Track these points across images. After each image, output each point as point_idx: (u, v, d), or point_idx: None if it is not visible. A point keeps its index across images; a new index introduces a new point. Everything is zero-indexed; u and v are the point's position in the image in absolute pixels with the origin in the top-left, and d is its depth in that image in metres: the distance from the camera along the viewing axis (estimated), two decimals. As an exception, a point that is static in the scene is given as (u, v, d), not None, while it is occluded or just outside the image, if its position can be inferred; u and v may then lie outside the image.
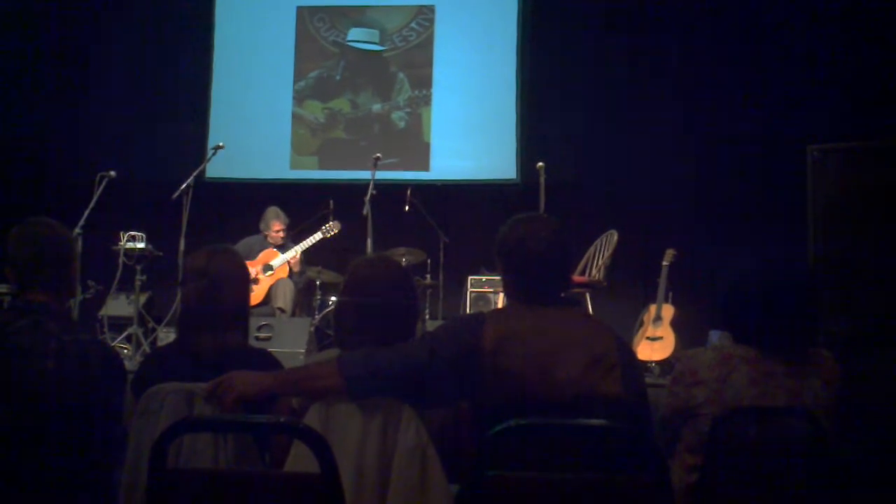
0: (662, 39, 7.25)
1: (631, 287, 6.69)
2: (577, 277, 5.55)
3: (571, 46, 7.44)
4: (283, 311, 6.07)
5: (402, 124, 7.85)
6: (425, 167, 7.70)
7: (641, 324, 5.96)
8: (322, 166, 7.87)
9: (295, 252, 6.30)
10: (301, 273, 6.46)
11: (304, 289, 6.60)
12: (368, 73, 7.92)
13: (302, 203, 6.89)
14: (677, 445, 2.19)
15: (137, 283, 5.90)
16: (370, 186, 5.72)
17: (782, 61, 6.88)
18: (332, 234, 6.34)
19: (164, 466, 1.67)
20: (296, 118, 7.91)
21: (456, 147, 7.68)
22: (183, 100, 7.81)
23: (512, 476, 1.65)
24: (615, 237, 5.75)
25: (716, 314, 2.40)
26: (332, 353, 2.24)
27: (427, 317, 6.55)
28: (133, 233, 5.95)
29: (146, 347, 5.73)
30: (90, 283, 6.23)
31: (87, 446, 2.16)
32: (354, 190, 6.25)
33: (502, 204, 6.75)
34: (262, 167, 7.77)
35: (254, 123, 7.81)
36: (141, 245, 5.93)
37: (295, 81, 7.94)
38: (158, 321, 6.12)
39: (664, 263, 5.99)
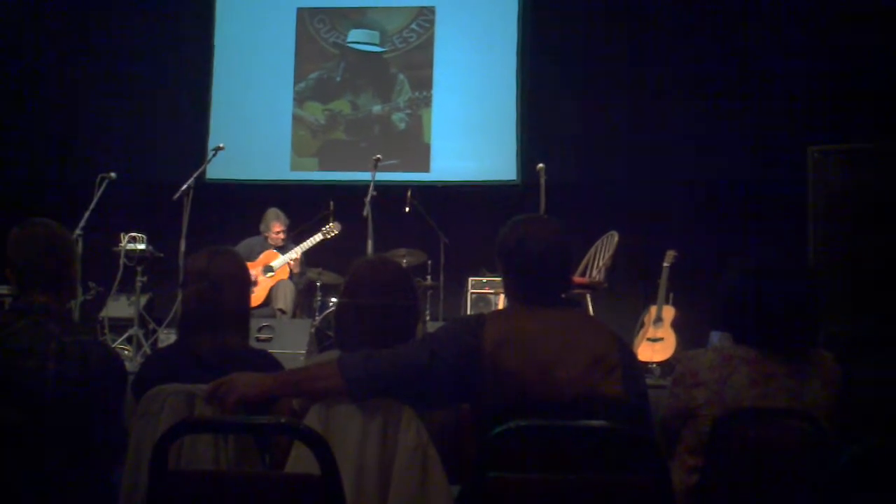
0: (663, 40, 7.26)
1: (632, 288, 6.69)
2: (577, 278, 5.55)
3: (572, 48, 7.44)
4: (283, 312, 6.07)
5: (402, 125, 7.86)
6: (426, 168, 7.71)
7: (642, 325, 5.96)
8: (322, 167, 7.87)
9: (295, 253, 6.30)
10: (301, 274, 6.46)
11: (305, 290, 6.60)
12: (369, 74, 7.93)
13: (302, 204, 6.90)
14: (678, 447, 2.19)
15: (138, 284, 5.89)
16: (370, 188, 5.72)
17: (783, 62, 6.88)
18: (333, 235, 6.34)
19: (165, 468, 1.67)
20: (296, 119, 7.92)
21: (456, 148, 7.68)
22: (183, 101, 7.82)
23: (512, 477, 1.65)
24: (615, 238, 5.75)
25: (716, 315, 2.40)
26: (333, 354, 2.23)
27: (427, 318, 6.55)
28: (133, 234, 5.95)
29: (147, 349, 5.73)
30: (91, 284, 6.23)
31: (88, 447, 2.16)
32: (355, 191, 6.26)
33: (502, 205, 6.75)
34: (262, 168, 7.78)
35: (254, 125, 7.82)
36: (141, 246, 5.93)
37: (295, 83, 7.95)
38: (159, 322, 6.12)
39: (665, 264, 5.99)
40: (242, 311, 2.45)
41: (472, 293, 6.64)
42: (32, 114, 7.78)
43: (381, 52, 7.93)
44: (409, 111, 7.85)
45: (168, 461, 1.70)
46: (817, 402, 2.09)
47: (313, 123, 7.94)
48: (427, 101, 7.80)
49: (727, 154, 6.99)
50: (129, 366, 2.76)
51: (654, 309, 5.97)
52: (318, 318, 6.23)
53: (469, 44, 7.78)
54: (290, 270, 6.34)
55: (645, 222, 6.80)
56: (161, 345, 5.72)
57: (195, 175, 5.88)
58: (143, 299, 6.12)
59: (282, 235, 6.44)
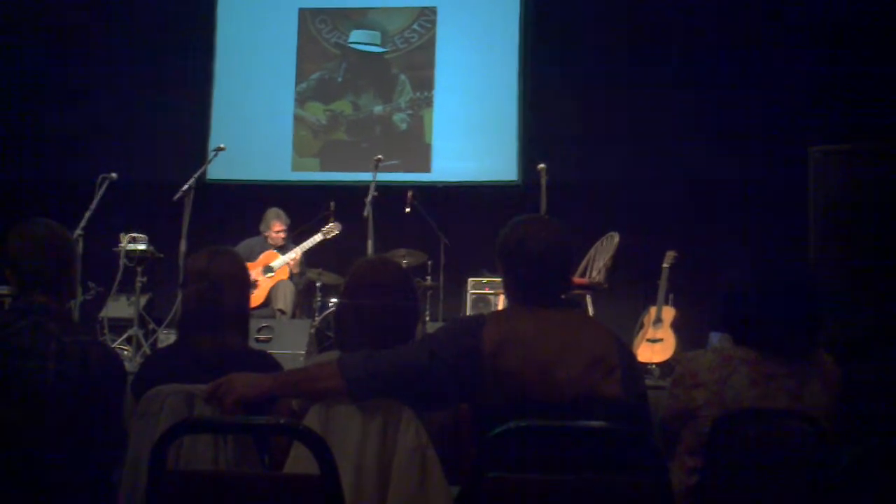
0: (664, 40, 7.26)
1: (631, 289, 6.68)
2: (577, 279, 5.55)
3: (572, 48, 7.44)
4: (283, 312, 6.07)
5: (403, 126, 7.86)
6: (426, 169, 7.71)
7: (642, 326, 5.95)
8: (323, 168, 7.88)
9: (295, 253, 6.30)
10: (301, 275, 6.46)
11: (305, 290, 6.60)
12: (370, 74, 7.93)
13: (303, 204, 6.89)
14: (677, 447, 2.19)
15: (138, 284, 5.89)
16: (371, 188, 5.72)
17: (784, 63, 6.88)
18: (333, 235, 6.34)
19: (164, 468, 1.67)
20: (297, 120, 7.92)
21: (457, 149, 7.68)
22: (184, 101, 7.82)
23: (512, 478, 1.65)
24: (616, 239, 5.75)
25: (716, 316, 2.40)
26: (333, 354, 2.24)
27: (427, 318, 6.55)
28: (134, 234, 5.95)
29: (146, 349, 5.73)
30: (91, 284, 6.23)
31: (88, 447, 2.16)
32: (355, 191, 6.26)
33: (503, 205, 6.74)
34: (263, 169, 7.78)
35: (255, 125, 7.82)
36: (142, 247, 5.93)
37: (296, 83, 7.95)
38: (159, 323, 6.12)
39: (665, 265, 5.99)
40: (242, 312, 2.46)
41: (472, 294, 6.64)
42: (33, 114, 7.78)
43: (383, 52, 7.93)
44: (410, 111, 7.85)
45: (167, 461, 1.70)
46: (817, 403, 2.09)
47: (314, 124, 7.94)
48: (428, 102, 7.80)
49: (727, 154, 6.99)
50: (128, 366, 2.77)
51: (653, 310, 5.97)
52: (317, 319, 6.23)
53: (470, 44, 7.78)
54: (290, 271, 6.34)
55: (645, 223, 6.80)
56: (161, 345, 5.72)
57: (196, 175, 5.88)
58: (143, 299, 6.12)
59: (282, 235, 6.44)
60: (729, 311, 2.26)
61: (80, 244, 5.40)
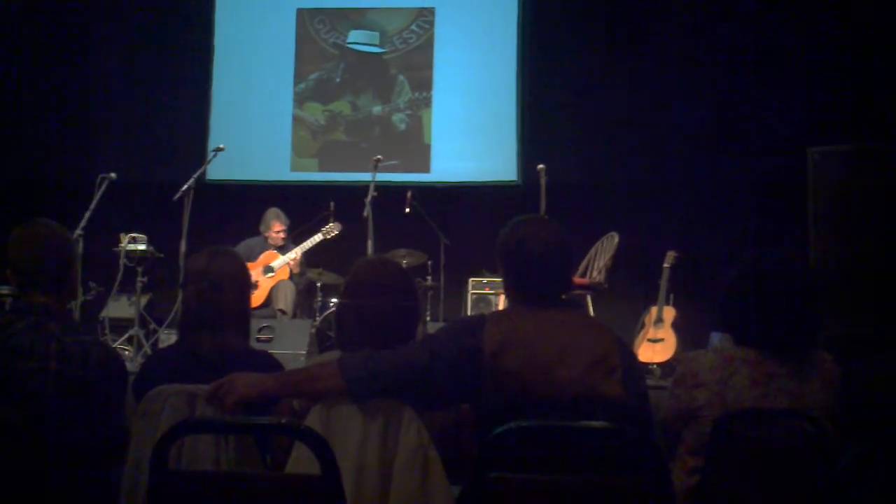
0: (664, 41, 7.26)
1: (632, 289, 6.69)
2: (577, 279, 5.55)
3: (572, 48, 7.44)
4: (283, 312, 6.07)
5: (402, 126, 7.86)
6: (426, 169, 7.71)
7: (642, 326, 5.95)
8: (322, 168, 7.88)
9: (295, 254, 6.31)
10: (302, 275, 6.46)
11: (305, 290, 6.60)
12: (369, 75, 7.93)
13: (302, 205, 6.90)
14: (678, 448, 2.19)
15: (138, 284, 5.89)
16: (371, 188, 5.72)
17: (783, 63, 6.88)
18: (333, 235, 6.34)
19: (166, 468, 1.67)
20: (296, 120, 7.92)
21: (456, 149, 7.68)
22: (183, 102, 7.82)
23: (513, 478, 1.65)
24: (616, 239, 5.75)
25: (716, 316, 2.40)
26: (333, 354, 2.24)
27: (428, 319, 6.55)
28: (134, 234, 5.96)
29: (147, 349, 5.73)
30: (91, 284, 6.23)
31: (89, 447, 2.16)
32: (355, 192, 6.26)
33: (503, 206, 6.74)
34: (262, 169, 7.78)
35: (254, 125, 7.82)
36: (142, 247, 5.93)
37: (295, 83, 7.95)
38: (159, 323, 6.12)
39: (665, 265, 5.99)
40: (243, 312, 2.45)
41: (473, 294, 6.64)
42: (32, 114, 7.78)
43: (381, 52, 7.93)
44: (409, 112, 7.85)
45: (168, 461, 1.70)
46: (818, 403, 2.09)
47: (313, 124, 7.94)
48: (427, 102, 7.81)
49: (727, 155, 6.99)
50: (129, 366, 2.77)
51: (654, 310, 5.96)
52: (318, 319, 6.23)
53: (469, 45, 7.78)
54: (291, 271, 6.34)
55: (645, 223, 6.81)
56: (161, 345, 5.73)
57: (195, 176, 5.88)
58: (144, 300, 6.13)
59: (282, 235, 6.44)
60: (729, 311, 2.26)
61: (81, 244, 5.40)
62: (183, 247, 5.60)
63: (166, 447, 1.67)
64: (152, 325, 6.18)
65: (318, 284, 6.55)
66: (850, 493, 1.56)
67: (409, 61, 7.89)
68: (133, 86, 7.76)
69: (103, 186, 5.72)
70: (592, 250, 5.85)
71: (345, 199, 6.53)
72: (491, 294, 6.54)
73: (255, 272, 6.10)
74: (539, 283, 2.12)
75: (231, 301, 2.38)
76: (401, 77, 7.89)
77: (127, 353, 5.69)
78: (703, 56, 7.16)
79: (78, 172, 6.87)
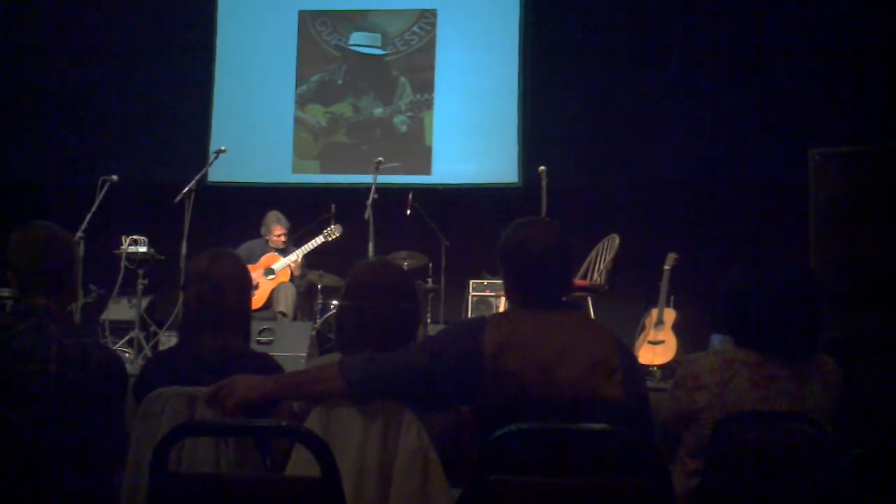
0: (664, 42, 7.26)
1: (633, 291, 6.68)
2: (578, 281, 5.55)
3: (573, 50, 7.44)
4: (284, 314, 6.07)
5: (403, 128, 7.86)
6: (427, 171, 7.71)
7: (643, 328, 5.95)
8: (324, 170, 7.88)
9: (296, 256, 6.31)
10: (302, 277, 6.46)
11: (306, 293, 6.60)
12: (370, 77, 7.93)
13: (303, 207, 6.90)
14: (679, 450, 2.19)
15: (139, 287, 5.90)
16: (372, 190, 5.73)
17: (784, 64, 6.88)
18: (334, 237, 6.34)
19: (166, 470, 1.67)
20: (298, 122, 7.93)
21: (458, 151, 7.68)
22: (185, 104, 7.82)
23: (513, 480, 1.65)
24: (616, 241, 5.75)
25: (717, 318, 2.40)
26: (334, 357, 2.24)
27: (428, 321, 6.55)
28: (135, 237, 5.96)
29: (148, 351, 5.74)
30: (92, 287, 6.24)
31: (89, 450, 2.16)
32: (356, 194, 6.26)
33: (504, 208, 6.75)
34: (263, 171, 7.79)
35: (256, 127, 7.83)
36: (143, 249, 5.94)
37: (297, 85, 7.96)
38: (160, 325, 6.13)
39: (666, 267, 5.98)
40: (243, 314, 2.45)
41: (473, 296, 6.64)
42: (34, 116, 7.79)
43: (383, 54, 7.94)
44: (410, 114, 7.85)
45: (169, 463, 1.70)
46: (818, 405, 2.09)
47: (315, 126, 7.94)
48: (428, 104, 7.81)
49: (728, 156, 6.99)
50: (129, 368, 2.77)
51: (654, 312, 5.96)
52: (319, 321, 6.22)
53: (470, 46, 7.78)
54: (291, 273, 6.35)
55: (646, 225, 6.81)
56: (162, 347, 5.73)
57: (197, 178, 5.89)
58: (144, 302, 6.13)
59: (282, 238, 6.45)
60: (730, 313, 2.26)
61: (82, 247, 5.41)
62: (184, 249, 5.60)
63: (166, 449, 1.67)
64: (153, 328, 6.19)
65: (319, 286, 6.55)
66: (850, 494, 1.56)
67: (410, 63, 7.89)
68: (134, 88, 7.77)
69: (104, 188, 5.73)
70: (593, 252, 5.85)
71: (346, 201, 6.53)
72: (491, 296, 6.53)
73: (256, 274, 6.10)
74: (539, 284, 2.12)
75: (232, 303, 2.38)
76: (402, 79, 7.89)
77: (127, 355, 5.68)
78: (704, 57, 7.16)
79: (79, 174, 6.88)
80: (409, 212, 6.49)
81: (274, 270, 6.30)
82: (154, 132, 7.70)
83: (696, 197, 7.02)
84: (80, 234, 5.43)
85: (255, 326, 5.06)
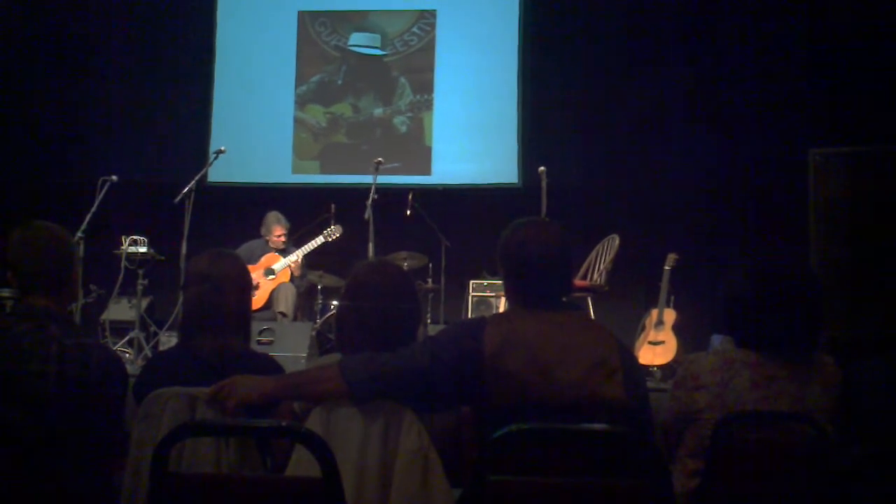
0: (663, 43, 7.26)
1: (633, 291, 6.68)
2: (578, 282, 5.55)
3: (573, 51, 7.45)
4: (284, 315, 6.07)
5: (403, 129, 7.86)
6: (427, 171, 7.71)
7: (643, 328, 5.95)
8: (324, 170, 7.88)
9: (296, 256, 6.31)
10: (302, 277, 6.46)
11: (306, 293, 6.61)
12: (370, 77, 7.93)
13: (303, 207, 6.90)
14: (679, 450, 2.19)
15: (139, 287, 5.90)
16: (372, 191, 5.73)
17: (784, 65, 6.88)
18: (334, 238, 6.34)
19: (166, 471, 1.67)
20: (297, 122, 7.93)
21: (457, 151, 7.69)
22: (184, 104, 7.83)
23: (514, 481, 1.65)
24: (616, 241, 5.75)
25: (717, 319, 2.40)
26: (334, 357, 2.24)
27: (428, 321, 6.55)
28: (135, 237, 5.96)
29: (148, 352, 5.74)
30: (92, 287, 6.24)
31: (89, 450, 2.16)
32: (356, 194, 6.26)
33: (504, 208, 6.75)
34: (263, 171, 7.79)
35: (255, 128, 7.83)
36: (143, 249, 5.94)
37: (296, 86, 7.96)
38: (160, 325, 6.13)
39: (666, 268, 5.98)
40: (243, 314, 2.45)
41: (473, 296, 6.64)
42: (34, 116, 7.79)
43: (383, 55, 7.94)
44: (410, 114, 7.85)
45: (169, 464, 1.69)
46: (818, 405, 2.09)
47: (314, 126, 7.94)
48: (428, 104, 7.81)
49: (728, 157, 7.00)
50: (129, 369, 2.77)
51: (655, 312, 5.96)
52: (319, 322, 6.22)
53: (470, 47, 7.78)
54: (292, 273, 6.35)
55: (646, 225, 6.81)
56: (162, 348, 5.73)
57: (197, 178, 5.89)
58: (145, 302, 6.13)
59: (282, 239, 6.45)
60: (730, 314, 2.26)
61: (82, 247, 5.41)
62: (184, 249, 5.60)
63: (167, 450, 1.67)
64: (153, 328, 6.19)
65: (319, 287, 6.55)
66: (851, 494, 1.56)
67: (410, 64, 7.89)
68: (134, 88, 7.77)
69: (104, 189, 5.73)
70: (593, 252, 5.86)
71: (346, 202, 6.53)
72: (491, 296, 6.53)
73: (256, 274, 6.10)
74: (539, 285, 2.12)
75: (232, 303, 2.38)
76: (402, 79, 7.90)
77: (127, 355, 5.68)
78: (704, 57, 7.16)
79: (79, 175, 6.88)
80: (409, 212, 6.49)
81: (274, 271, 6.30)
82: (154, 132, 7.70)
83: (696, 197, 7.02)
84: (80, 234, 5.43)
85: (256, 327, 5.06)
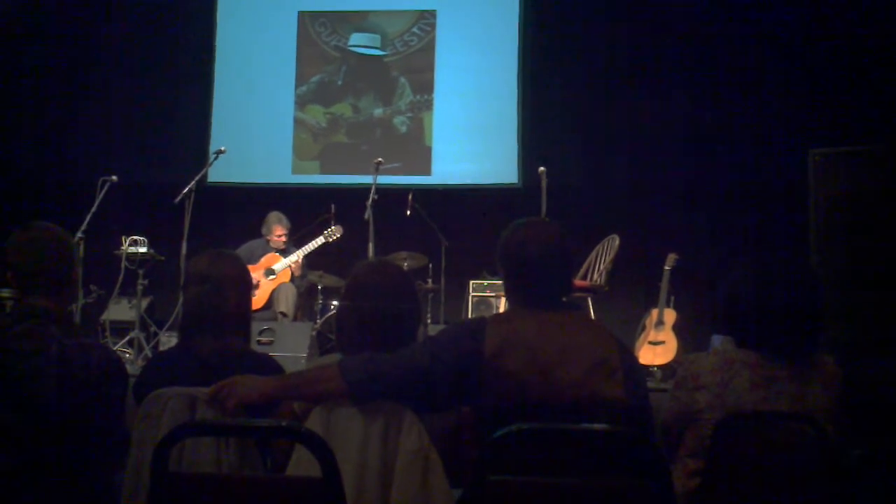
0: (664, 44, 7.26)
1: (633, 291, 6.69)
2: (578, 282, 5.55)
3: (572, 51, 7.45)
4: (284, 315, 6.07)
5: (403, 129, 7.86)
6: (427, 171, 7.71)
7: (643, 328, 5.95)
8: (324, 171, 7.88)
9: (297, 256, 6.31)
10: (303, 277, 6.46)
11: (306, 293, 6.61)
12: (370, 77, 7.93)
13: (304, 207, 6.90)
14: (679, 450, 2.19)
15: (139, 287, 5.90)
16: (372, 191, 5.73)
17: (785, 64, 6.88)
18: (334, 238, 6.34)
19: (166, 471, 1.67)
20: (297, 123, 7.93)
21: (457, 151, 7.69)
22: (185, 104, 7.83)
23: (514, 481, 1.65)
24: (616, 242, 5.75)
25: (717, 319, 2.40)
26: (334, 357, 2.24)
27: (429, 321, 6.55)
28: (135, 237, 5.96)
29: (148, 352, 5.74)
30: (92, 287, 6.24)
31: (89, 450, 2.16)
32: (356, 194, 6.26)
33: (504, 208, 6.75)
34: (263, 171, 7.79)
35: (255, 128, 7.83)
36: (143, 249, 5.94)
37: (297, 86, 7.96)
38: (160, 325, 6.13)
39: (666, 268, 5.99)
40: (243, 314, 2.46)
41: (473, 296, 6.64)
42: (33, 117, 7.79)
43: (383, 55, 7.94)
44: (410, 114, 7.85)
45: (169, 464, 1.69)
46: (818, 405, 2.09)
47: (314, 126, 7.95)
48: (428, 105, 7.81)
49: (728, 157, 7.00)
50: (129, 369, 2.77)
51: (655, 312, 5.96)
52: (319, 322, 6.23)
53: (470, 47, 7.79)
54: (292, 273, 6.35)
55: (646, 225, 6.81)
56: (162, 348, 5.73)
57: (197, 178, 5.90)
58: (145, 302, 6.13)
59: (283, 239, 6.45)
60: (730, 314, 2.26)
61: (82, 247, 5.42)
62: (184, 249, 5.60)
63: (167, 450, 1.67)
64: (153, 328, 6.19)
65: (319, 287, 6.56)
66: (851, 495, 1.56)
67: (410, 64, 7.89)
68: (134, 88, 7.78)
69: (104, 189, 5.74)
70: (593, 253, 5.86)
71: (346, 202, 6.54)
72: (491, 296, 6.53)
73: (257, 274, 6.10)
74: (539, 285, 2.11)
75: (232, 303, 2.38)
76: (402, 79, 7.90)
77: (128, 355, 5.69)
78: (704, 57, 7.16)
79: (79, 175, 6.89)
80: (409, 212, 6.49)
81: (274, 271, 6.30)
82: (154, 133, 7.70)
83: (697, 197, 7.02)
84: (80, 234, 5.44)
85: (256, 327, 5.06)
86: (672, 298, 6.00)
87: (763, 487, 1.98)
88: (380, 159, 6.12)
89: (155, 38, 7.82)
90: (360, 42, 7.98)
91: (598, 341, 2.05)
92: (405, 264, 6.18)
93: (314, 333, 5.67)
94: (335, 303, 6.30)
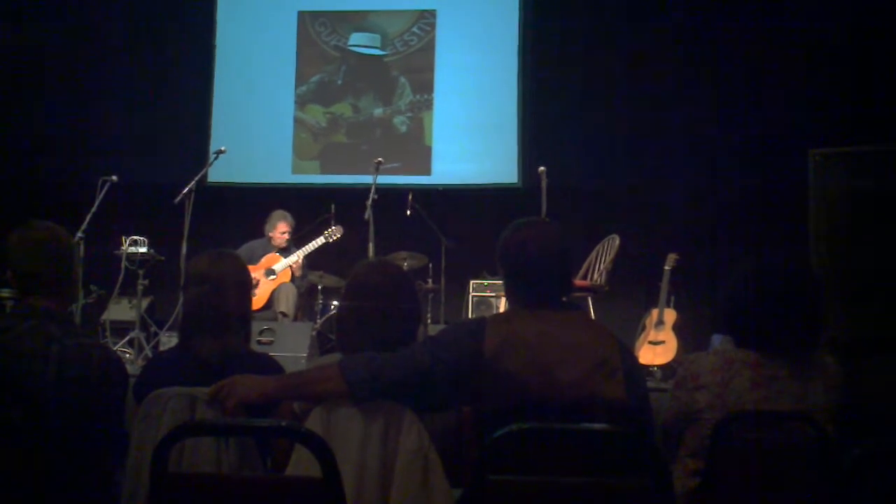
0: (664, 43, 7.26)
1: (633, 291, 6.68)
2: (578, 282, 5.55)
3: (572, 51, 7.44)
4: (285, 315, 6.07)
5: (403, 129, 7.86)
6: (427, 171, 7.71)
7: (643, 328, 5.95)
8: (324, 171, 7.88)
9: (297, 256, 6.31)
10: (303, 277, 6.46)
11: (306, 293, 6.60)
12: (370, 77, 7.93)
13: (304, 207, 6.90)
14: (679, 450, 2.19)
15: (139, 287, 5.90)
16: (372, 191, 5.73)
17: (785, 65, 6.88)
18: (335, 238, 6.34)
19: (166, 471, 1.67)
20: (297, 122, 7.93)
21: (457, 151, 7.69)
22: (184, 104, 7.83)
23: (514, 480, 1.65)
24: (617, 241, 5.75)
25: (718, 318, 2.40)
26: (334, 357, 2.24)
27: (429, 321, 6.55)
28: (135, 237, 5.96)
29: (148, 352, 5.74)
30: (92, 287, 6.25)
31: (89, 450, 2.16)
32: (356, 194, 6.26)
33: (504, 208, 6.75)
34: (263, 171, 7.79)
35: (255, 128, 7.83)
36: (143, 249, 5.94)
37: (296, 86, 7.96)
38: (160, 325, 6.13)
39: (666, 268, 5.98)
40: (244, 314, 2.45)
41: (474, 296, 6.64)
42: (34, 117, 7.79)
43: (383, 55, 7.94)
44: (410, 114, 7.85)
45: (169, 464, 1.70)
46: (819, 405, 2.09)
47: (314, 126, 7.94)
48: (428, 104, 7.81)
49: (728, 157, 6.99)
50: (130, 369, 2.77)
51: (655, 312, 5.96)
52: (319, 322, 6.23)
53: (470, 47, 7.78)
54: (292, 273, 6.35)
55: (646, 225, 6.81)
56: (162, 348, 5.73)
57: (197, 178, 5.90)
58: (145, 302, 6.13)
59: (286, 236, 6.43)
60: (730, 314, 2.26)
61: (82, 247, 5.42)
62: (184, 249, 5.60)
63: (167, 450, 1.67)
64: (153, 328, 6.19)
65: (320, 287, 6.56)
66: (852, 494, 1.56)
67: (410, 63, 7.89)
68: (134, 88, 7.78)
69: (104, 189, 5.74)
70: (593, 252, 5.86)
71: (346, 202, 6.53)
72: (492, 296, 6.53)
73: (257, 274, 6.10)
74: (540, 285, 2.11)
75: (232, 304, 2.38)
76: (402, 79, 7.90)
77: (128, 355, 5.69)
78: (704, 58, 7.16)
79: (79, 175, 6.88)
80: (409, 212, 6.49)
81: (275, 271, 6.30)
82: (154, 132, 7.69)
83: (697, 197, 7.02)
84: (80, 234, 5.44)
85: (256, 327, 5.06)
86: (672, 298, 6.00)
87: (763, 487, 1.98)
88: (380, 159, 6.12)
89: (155, 38, 7.82)
90: (359, 42, 7.98)
91: (599, 341, 2.05)
92: (405, 264, 6.18)
93: (314, 333, 5.67)
94: (335, 303, 6.30)
